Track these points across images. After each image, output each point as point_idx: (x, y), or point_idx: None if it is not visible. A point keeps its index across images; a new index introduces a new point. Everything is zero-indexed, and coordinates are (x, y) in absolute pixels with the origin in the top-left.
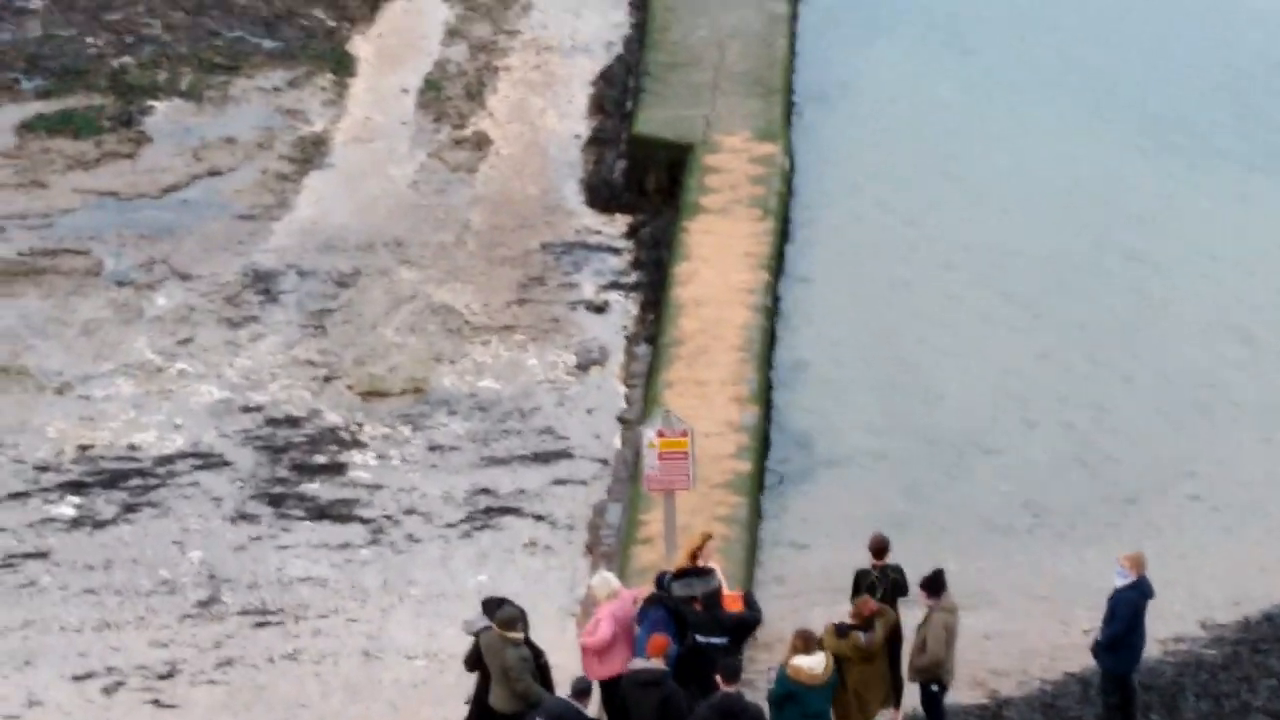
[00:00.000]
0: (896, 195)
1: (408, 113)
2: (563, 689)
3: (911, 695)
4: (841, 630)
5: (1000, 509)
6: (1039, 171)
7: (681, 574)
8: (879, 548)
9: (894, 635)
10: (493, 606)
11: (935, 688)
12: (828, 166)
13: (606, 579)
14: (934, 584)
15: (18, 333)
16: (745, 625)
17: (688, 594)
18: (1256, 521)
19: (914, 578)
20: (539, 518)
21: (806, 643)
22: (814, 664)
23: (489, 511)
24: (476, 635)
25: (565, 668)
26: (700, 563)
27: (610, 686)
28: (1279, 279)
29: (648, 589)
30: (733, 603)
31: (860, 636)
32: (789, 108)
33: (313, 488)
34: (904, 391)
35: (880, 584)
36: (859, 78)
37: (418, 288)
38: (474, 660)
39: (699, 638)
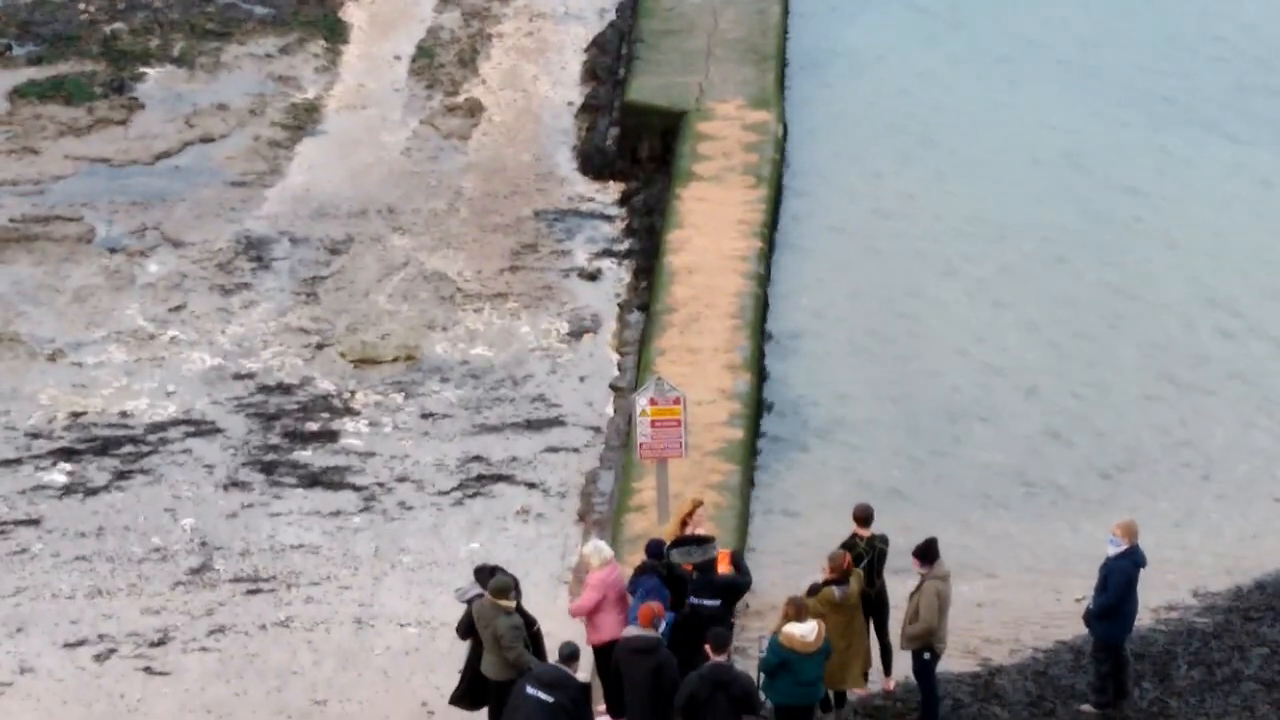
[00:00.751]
0: (889, 163)
1: (400, 79)
2: (555, 656)
3: (904, 663)
4: (814, 588)
5: (993, 478)
6: (1031, 142)
7: (681, 542)
8: (864, 517)
9: (881, 603)
10: (485, 574)
11: (928, 656)
12: (821, 134)
13: (599, 547)
14: (927, 552)
15: (9, 300)
16: (735, 588)
17: (686, 561)
18: (1248, 490)
19: (906, 546)
20: (531, 485)
21: (799, 610)
22: (806, 631)
23: (481, 479)
24: (469, 603)
25: (557, 635)
26: (690, 530)
27: (604, 653)
28: (1270, 250)
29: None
30: (721, 560)
31: (835, 591)
32: (782, 75)
33: (305, 455)
34: (896, 360)
35: (868, 554)
36: (852, 45)
37: (410, 255)
38: (466, 628)
39: (693, 600)
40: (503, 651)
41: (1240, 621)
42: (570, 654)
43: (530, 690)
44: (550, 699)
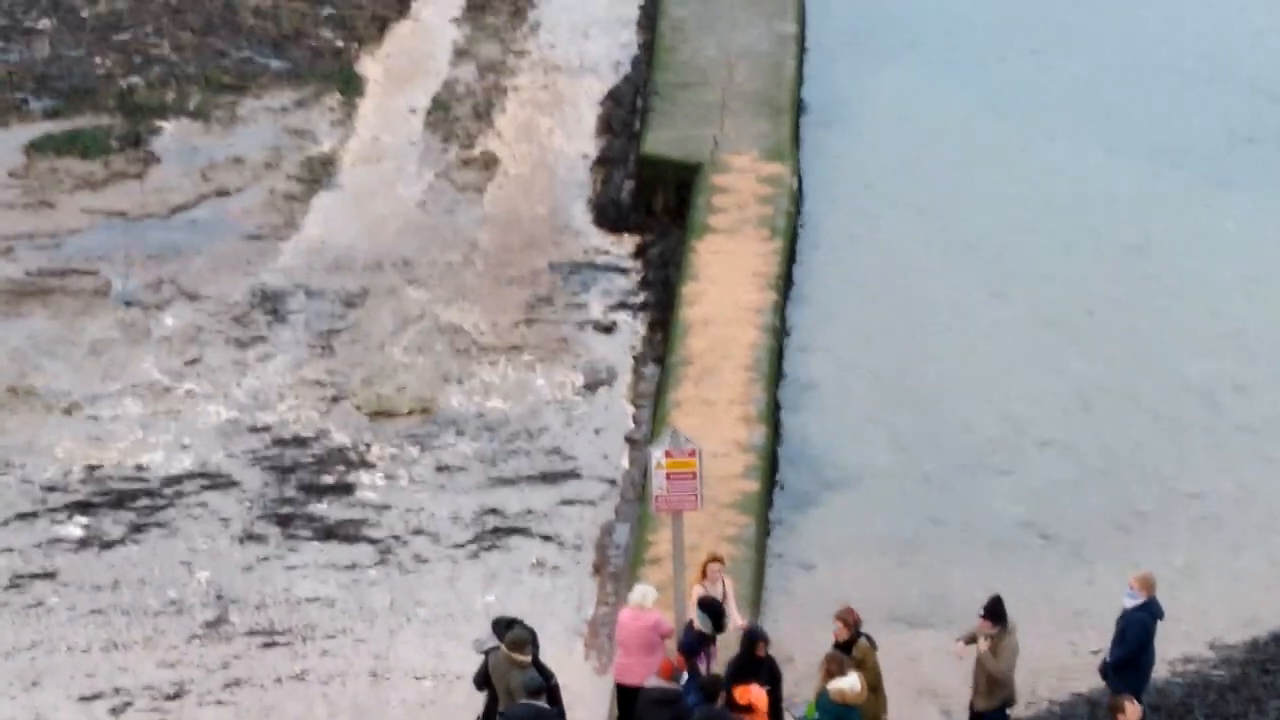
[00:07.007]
0: (904, 215)
1: (416, 133)
2: (573, 710)
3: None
4: (841, 648)
5: (1009, 529)
6: (1050, 191)
7: (707, 607)
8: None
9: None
10: (502, 626)
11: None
12: (835, 186)
13: (643, 590)
14: (996, 611)
15: (26, 353)
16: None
17: (702, 626)
18: (1264, 542)
19: (922, 596)
20: (547, 538)
21: (841, 665)
22: (854, 683)
23: (497, 532)
24: (486, 654)
25: (574, 688)
26: (707, 584)
27: (619, 693)
28: None
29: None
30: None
31: (866, 643)
32: (797, 127)
33: (320, 508)
34: (912, 411)
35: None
36: (867, 98)
37: (425, 308)
38: (482, 679)
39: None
40: None
41: (1257, 674)
42: (536, 688)
43: None
44: None
